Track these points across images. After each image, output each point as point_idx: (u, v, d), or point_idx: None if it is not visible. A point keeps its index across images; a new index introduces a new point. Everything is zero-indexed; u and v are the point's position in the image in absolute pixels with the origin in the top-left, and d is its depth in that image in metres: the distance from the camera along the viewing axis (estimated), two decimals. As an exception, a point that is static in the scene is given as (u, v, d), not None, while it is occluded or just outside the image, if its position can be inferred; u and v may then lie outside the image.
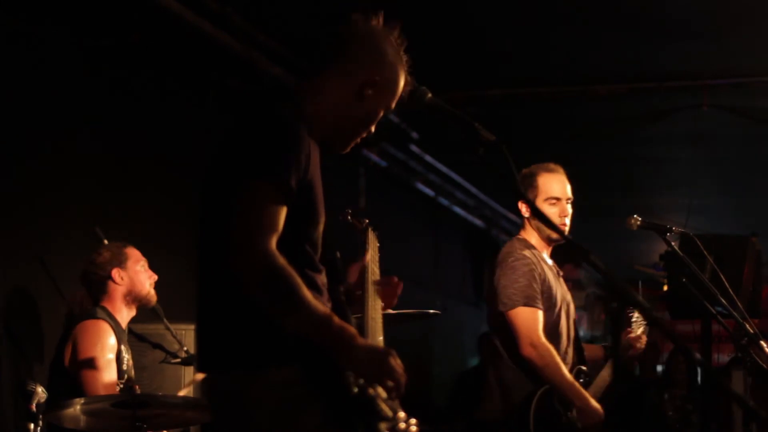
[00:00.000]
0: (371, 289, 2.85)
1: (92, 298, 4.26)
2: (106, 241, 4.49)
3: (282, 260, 2.29)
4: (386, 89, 2.61)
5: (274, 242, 2.30)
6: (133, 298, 4.27)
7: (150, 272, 4.34)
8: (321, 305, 2.35)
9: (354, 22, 2.62)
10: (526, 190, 4.21)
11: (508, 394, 4.10)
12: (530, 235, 4.28)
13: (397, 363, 2.36)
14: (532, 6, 5.24)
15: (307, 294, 2.31)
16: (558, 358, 4.06)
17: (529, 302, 4.06)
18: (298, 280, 2.30)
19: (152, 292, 4.33)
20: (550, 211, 4.20)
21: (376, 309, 2.83)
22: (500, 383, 4.13)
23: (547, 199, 4.23)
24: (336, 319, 2.33)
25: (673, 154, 8.11)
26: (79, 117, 4.68)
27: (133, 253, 4.32)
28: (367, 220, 3.29)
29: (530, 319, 4.04)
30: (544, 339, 4.03)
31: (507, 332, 4.09)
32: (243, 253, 2.28)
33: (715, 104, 6.49)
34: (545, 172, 4.27)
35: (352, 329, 2.36)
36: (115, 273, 4.25)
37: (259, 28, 5.24)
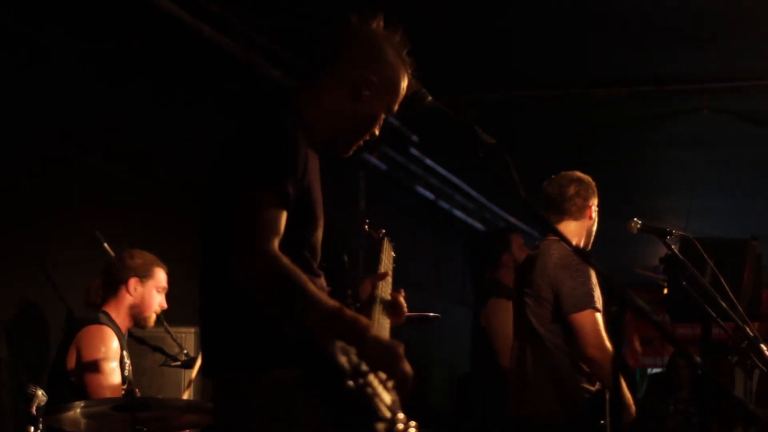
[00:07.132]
0: (380, 301, 2.82)
1: (103, 292, 4.27)
2: (106, 245, 4.49)
3: (286, 259, 2.29)
4: (385, 90, 2.59)
5: (276, 244, 2.31)
6: (135, 313, 4.28)
7: (163, 302, 4.35)
8: (330, 299, 2.34)
9: (351, 24, 2.61)
10: (592, 195, 4.37)
11: (567, 395, 4.14)
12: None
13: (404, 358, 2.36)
14: (532, 10, 5.24)
15: (315, 289, 2.31)
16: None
17: (596, 305, 4.09)
18: (304, 277, 2.30)
19: (153, 318, 4.33)
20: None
21: (384, 327, 2.80)
22: (555, 383, 4.15)
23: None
24: (347, 311, 2.33)
25: (673, 157, 8.10)
26: (79, 120, 4.68)
27: (159, 276, 4.33)
28: (384, 230, 3.29)
29: (597, 322, 4.08)
30: (607, 341, 4.08)
31: (567, 334, 4.12)
32: (247, 257, 2.28)
33: (715, 107, 6.48)
34: None
35: (365, 320, 2.35)
36: (133, 282, 4.27)
37: (259, 31, 5.24)
